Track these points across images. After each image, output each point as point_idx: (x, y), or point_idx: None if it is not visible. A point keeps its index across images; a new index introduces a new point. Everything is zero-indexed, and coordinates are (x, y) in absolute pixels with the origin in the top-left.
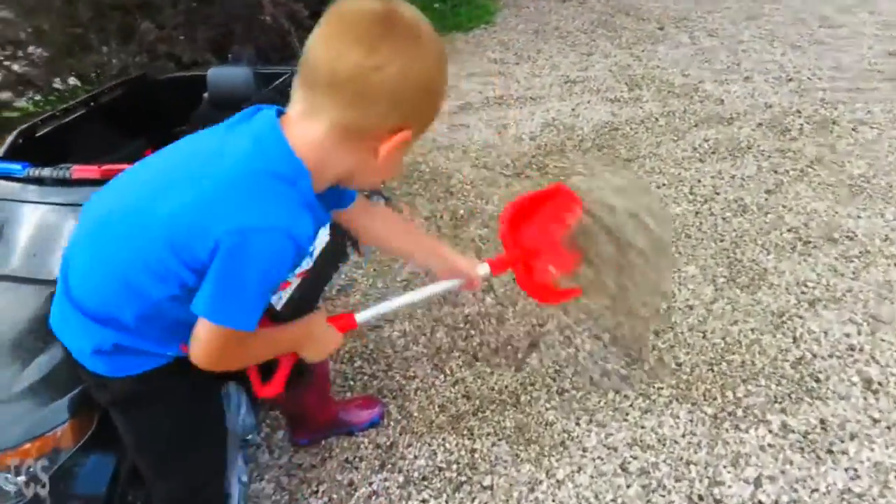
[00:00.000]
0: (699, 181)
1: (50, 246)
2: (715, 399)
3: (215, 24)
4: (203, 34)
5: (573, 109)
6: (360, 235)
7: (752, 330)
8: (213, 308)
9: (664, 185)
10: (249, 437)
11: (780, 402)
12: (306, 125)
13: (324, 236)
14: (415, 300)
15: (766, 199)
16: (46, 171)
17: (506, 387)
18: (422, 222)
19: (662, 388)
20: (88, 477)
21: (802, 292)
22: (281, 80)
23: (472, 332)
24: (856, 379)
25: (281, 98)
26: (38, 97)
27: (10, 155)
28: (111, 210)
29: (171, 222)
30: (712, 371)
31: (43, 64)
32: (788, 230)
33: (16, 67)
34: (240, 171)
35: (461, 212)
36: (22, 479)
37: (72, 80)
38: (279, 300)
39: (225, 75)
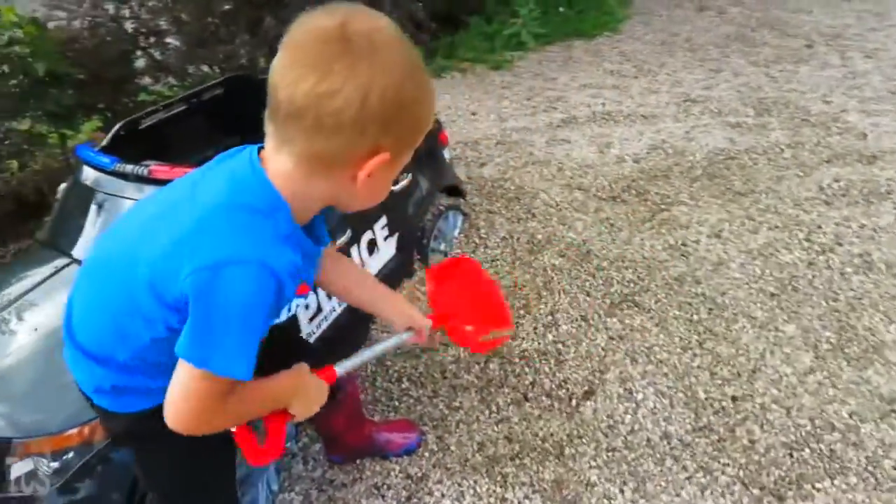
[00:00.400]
0: (819, 227)
1: None
2: (788, 491)
3: None
4: None
5: (687, 132)
6: (325, 284)
7: (852, 414)
8: (190, 350)
9: (777, 227)
10: (288, 445)
11: None
12: (277, 158)
13: (389, 251)
14: (383, 350)
15: None
16: (129, 168)
17: (551, 434)
18: (497, 243)
19: (728, 466)
20: (114, 472)
21: None
22: None
23: (527, 369)
24: None
25: None
26: (173, 83)
27: (112, 145)
28: (109, 254)
29: (152, 267)
30: (791, 456)
31: (179, 52)
32: None
33: (157, 54)
34: (213, 208)
35: (539, 236)
36: (56, 465)
37: (204, 69)
38: (320, 325)
39: None
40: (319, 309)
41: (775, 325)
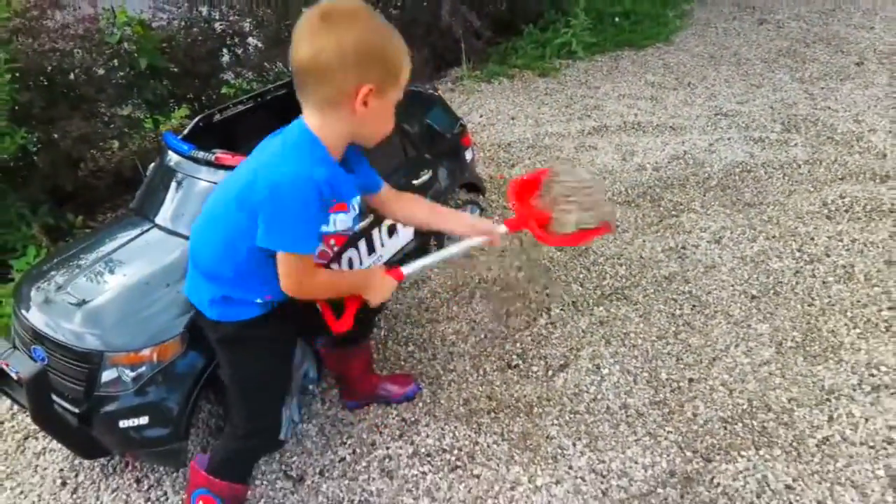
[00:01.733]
0: (812, 239)
1: (189, 210)
2: (716, 455)
3: (396, 28)
4: None
5: (710, 145)
6: (392, 216)
7: (790, 400)
8: (268, 238)
9: (774, 237)
10: (311, 387)
11: (779, 477)
12: (307, 114)
13: (408, 235)
14: (451, 254)
15: (880, 271)
16: (201, 154)
17: (524, 396)
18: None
19: (671, 433)
20: (175, 382)
21: (871, 375)
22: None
23: (517, 343)
24: (881, 473)
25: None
26: (251, 77)
27: (192, 134)
28: (214, 201)
29: (238, 192)
30: (725, 429)
31: (258, 51)
32: (890, 308)
33: (239, 52)
34: (274, 149)
35: None
36: (133, 374)
37: (279, 65)
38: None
39: None
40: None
41: (749, 323)
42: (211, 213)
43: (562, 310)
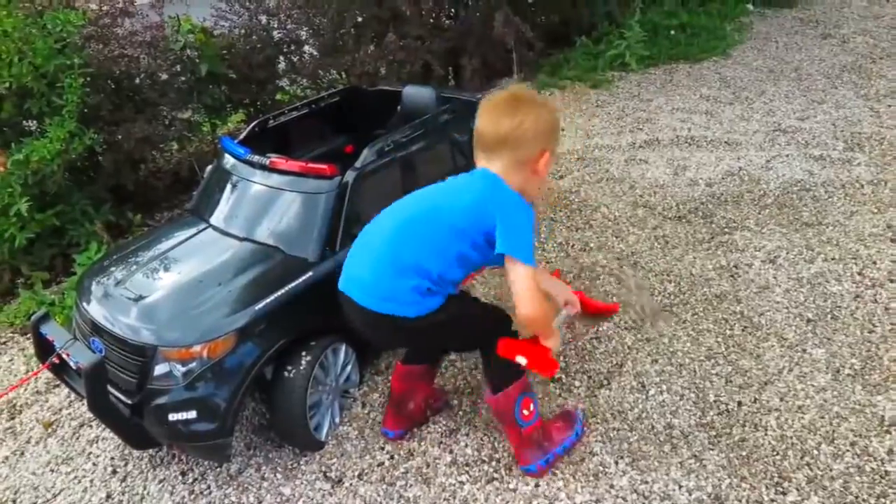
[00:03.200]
0: (875, 263)
1: (242, 212)
2: (767, 482)
3: (450, 38)
4: (438, 45)
5: (767, 161)
6: None
7: (848, 430)
8: (517, 249)
9: (833, 259)
10: (352, 390)
11: None
12: (489, 167)
13: None
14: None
15: None
16: (256, 158)
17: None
18: (554, 247)
19: (717, 456)
20: (223, 379)
21: None
22: (455, 103)
23: (561, 357)
24: None
25: (449, 116)
26: (305, 84)
27: (248, 139)
28: (417, 212)
29: (463, 210)
30: (775, 455)
31: (313, 59)
32: None
33: (295, 60)
34: (489, 180)
35: (591, 245)
36: (184, 370)
37: (332, 72)
38: None
39: (416, 93)
40: None
41: (804, 347)
42: (417, 223)
43: (607, 323)
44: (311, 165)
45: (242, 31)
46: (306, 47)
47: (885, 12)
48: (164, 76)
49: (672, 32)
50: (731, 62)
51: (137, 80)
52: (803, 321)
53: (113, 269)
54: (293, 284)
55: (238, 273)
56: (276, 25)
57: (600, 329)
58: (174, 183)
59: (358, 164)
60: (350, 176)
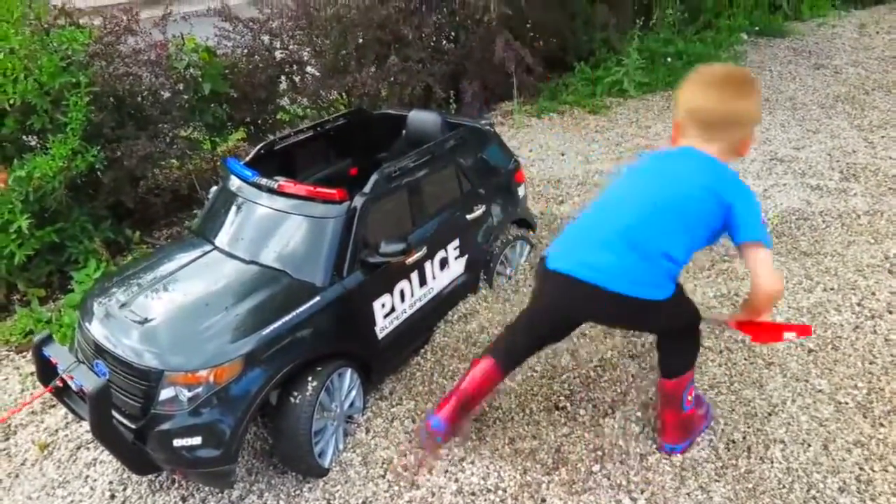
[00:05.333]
0: (874, 294)
1: (248, 234)
2: None
3: (450, 61)
4: (439, 68)
5: (765, 190)
6: None
7: (854, 464)
8: (757, 231)
9: (832, 289)
10: (356, 415)
11: None
12: (706, 147)
13: (458, 269)
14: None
15: None
16: (264, 181)
17: (572, 442)
18: None
19: (723, 488)
20: (228, 405)
21: None
22: (461, 129)
23: (564, 385)
24: None
25: (455, 142)
26: (306, 104)
27: (254, 161)
28: (655, 200)
29: (702, 202)
30: (781, 487)
31: (314, 79)
32: None
33: (297, 80)
34: (716, 168)
35: None
36: (189, 394)
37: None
38: (388, 325)
39: (421, 118)
40: (393, 308)
41: (807, 378)
42: (664, 212)
43: (612, 352)
44: (320, 190)
45: (245, 50)
46: (308, 67)
47: (874, 44)
48: (167, 94)
49: (668, 60)
50: None
51: (140, 98)
52: (804, 351)
53: (117, 290)
54: (301, 309)
55: (245, 297)
56: (278, 45)
57: (604, 357)
58: (173, 200)
59: (367, 189)
60: (359, 201)
